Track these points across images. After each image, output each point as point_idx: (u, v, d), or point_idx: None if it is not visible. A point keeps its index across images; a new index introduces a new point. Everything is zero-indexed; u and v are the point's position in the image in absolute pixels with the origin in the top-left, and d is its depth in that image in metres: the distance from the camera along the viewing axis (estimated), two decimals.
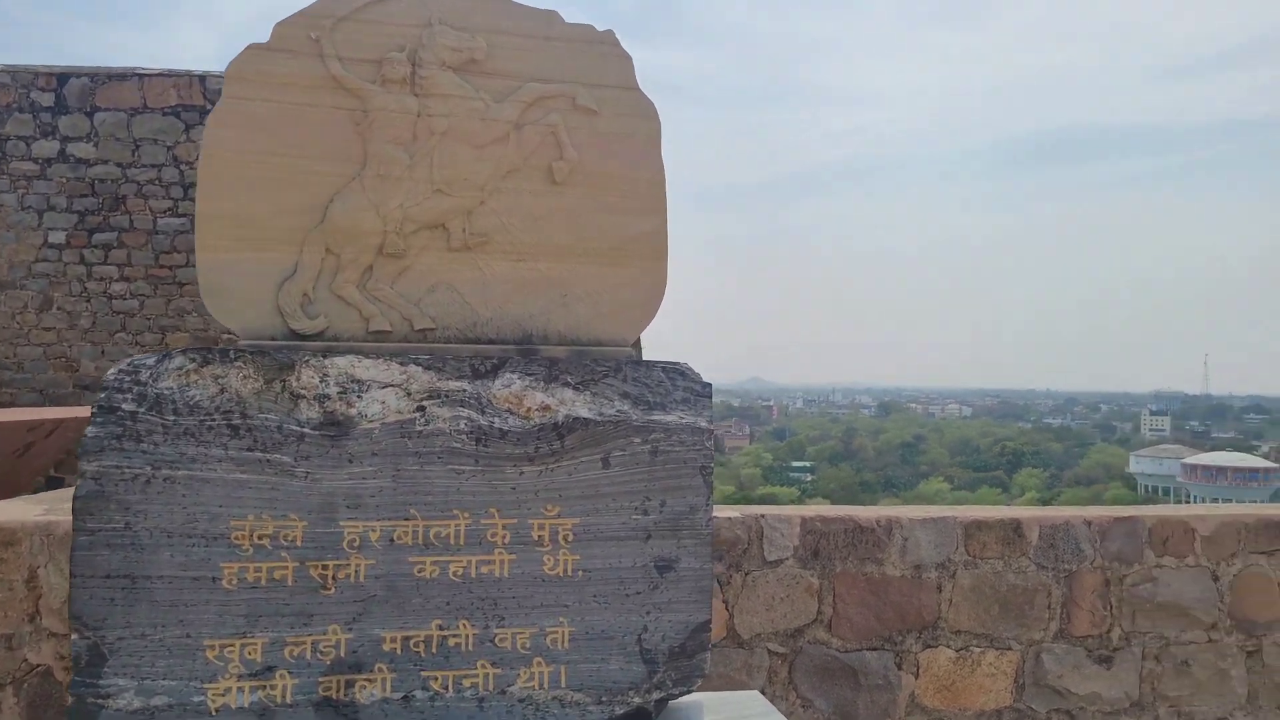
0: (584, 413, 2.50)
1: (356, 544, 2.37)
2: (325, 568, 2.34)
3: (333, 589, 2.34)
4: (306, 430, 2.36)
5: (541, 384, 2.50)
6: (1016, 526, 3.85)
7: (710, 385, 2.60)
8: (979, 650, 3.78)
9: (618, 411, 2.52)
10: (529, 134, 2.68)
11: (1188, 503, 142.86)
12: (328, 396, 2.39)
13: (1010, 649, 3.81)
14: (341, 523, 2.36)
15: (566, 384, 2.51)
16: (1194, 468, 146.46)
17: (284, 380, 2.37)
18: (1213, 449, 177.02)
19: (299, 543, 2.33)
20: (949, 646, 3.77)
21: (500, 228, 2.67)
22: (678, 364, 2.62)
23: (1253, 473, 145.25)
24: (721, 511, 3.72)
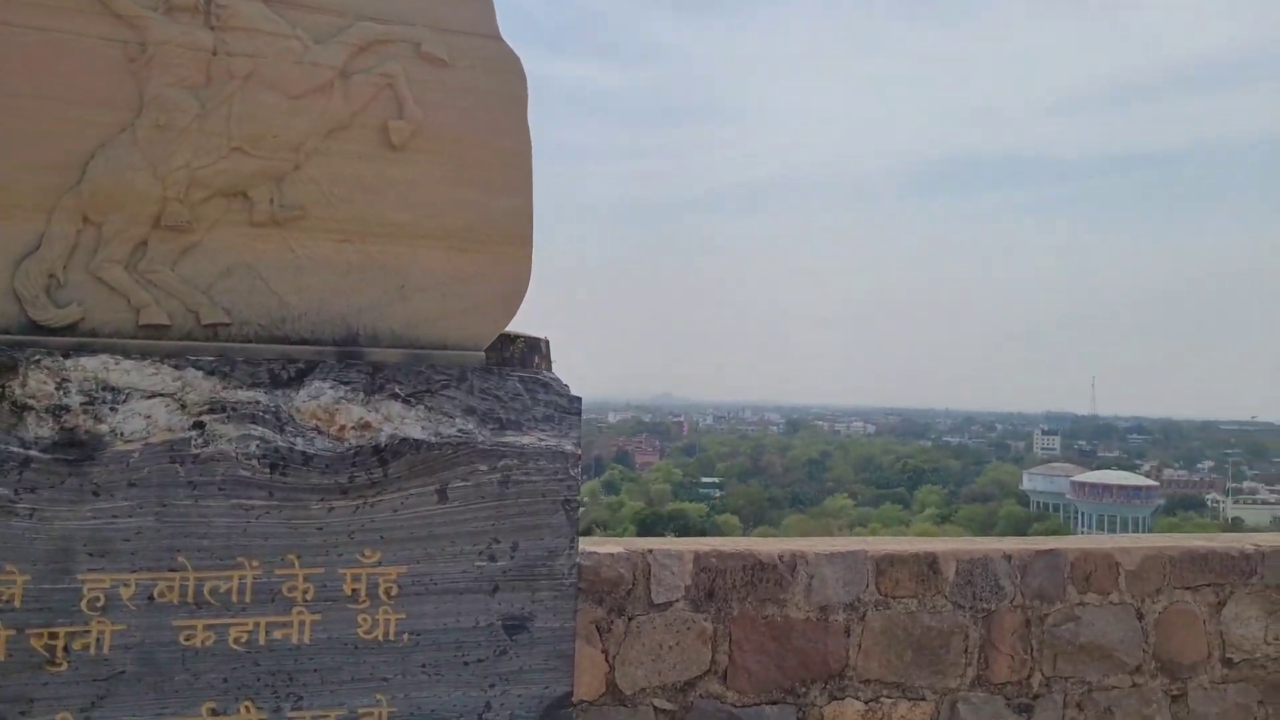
0: (415, 433, 1.98)
1: (101, 604, 1.79)
2: (54, 636, 1.76)
3: (64, 665, 1.76)
4: (33, 453, 1.77)
5: (361, 395, 1.97)
6: (932, 561, 3.47)
7: (579, 400, 2.12)
8: (890, 701, 3.38)
9: (460, 431, 2.01)
10: (359, 85, 2.15)
11: (1077, 520, 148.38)
12: (67, 408, 1.81)
13: (924, 699, 3.42)
14: (80, 575, 1.78)
15: (394, 396, 1.99)
16: (1082, 485, 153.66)
17: (1, 387, 1.78)
18: (1099, 468, 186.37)
19: (17, 603, 1.74)
20: (858, 698, 3.35)
21: (321, 199, 2.13)
22: (539, 374, 2.12)
23: (1135, 490, 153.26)
24: (602, 546, 3.23)
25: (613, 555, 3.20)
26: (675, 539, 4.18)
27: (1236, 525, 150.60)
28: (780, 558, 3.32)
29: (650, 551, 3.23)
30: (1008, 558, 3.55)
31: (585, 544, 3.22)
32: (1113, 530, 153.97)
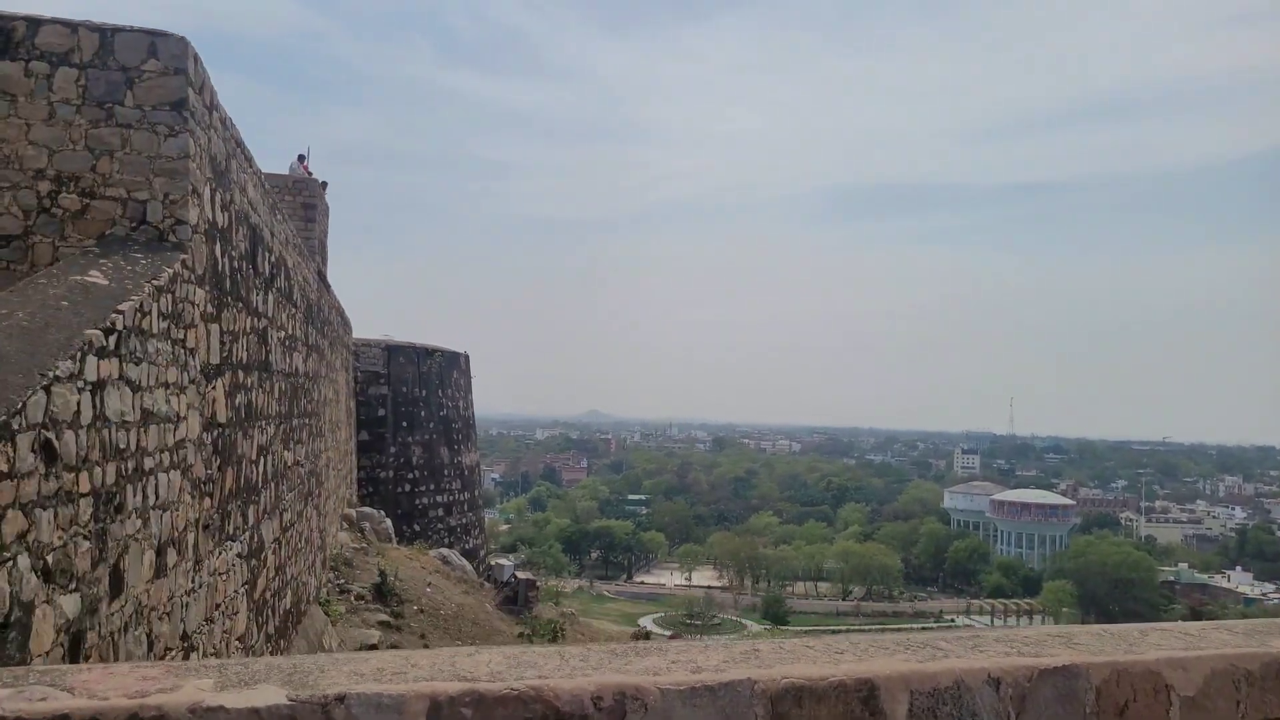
0: None
1: None
2: None
3: None
4: None
5: None
6: (869, 695, 1.98)
7: None
8: None
9: None
10: None
11: (996, 537, 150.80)
12: None
13: None
14: None
15: None
16: (1002, 504, 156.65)
17: None
18: (1018, 486, 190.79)
19: None
20: None
21: None
22: None
23: (1053, 509, 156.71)
24: (251, 698, 1.65)
25: (271, 711, 1.62)
26: (391, 684, 2.47)
27: (1149, 543, 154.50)
28: (596, 700, 1.78)
29: (343, 700, 1.66)
30: (994, 683, 2.08)
31: (220, 695, 1.65)
32: (1031, 549, 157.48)
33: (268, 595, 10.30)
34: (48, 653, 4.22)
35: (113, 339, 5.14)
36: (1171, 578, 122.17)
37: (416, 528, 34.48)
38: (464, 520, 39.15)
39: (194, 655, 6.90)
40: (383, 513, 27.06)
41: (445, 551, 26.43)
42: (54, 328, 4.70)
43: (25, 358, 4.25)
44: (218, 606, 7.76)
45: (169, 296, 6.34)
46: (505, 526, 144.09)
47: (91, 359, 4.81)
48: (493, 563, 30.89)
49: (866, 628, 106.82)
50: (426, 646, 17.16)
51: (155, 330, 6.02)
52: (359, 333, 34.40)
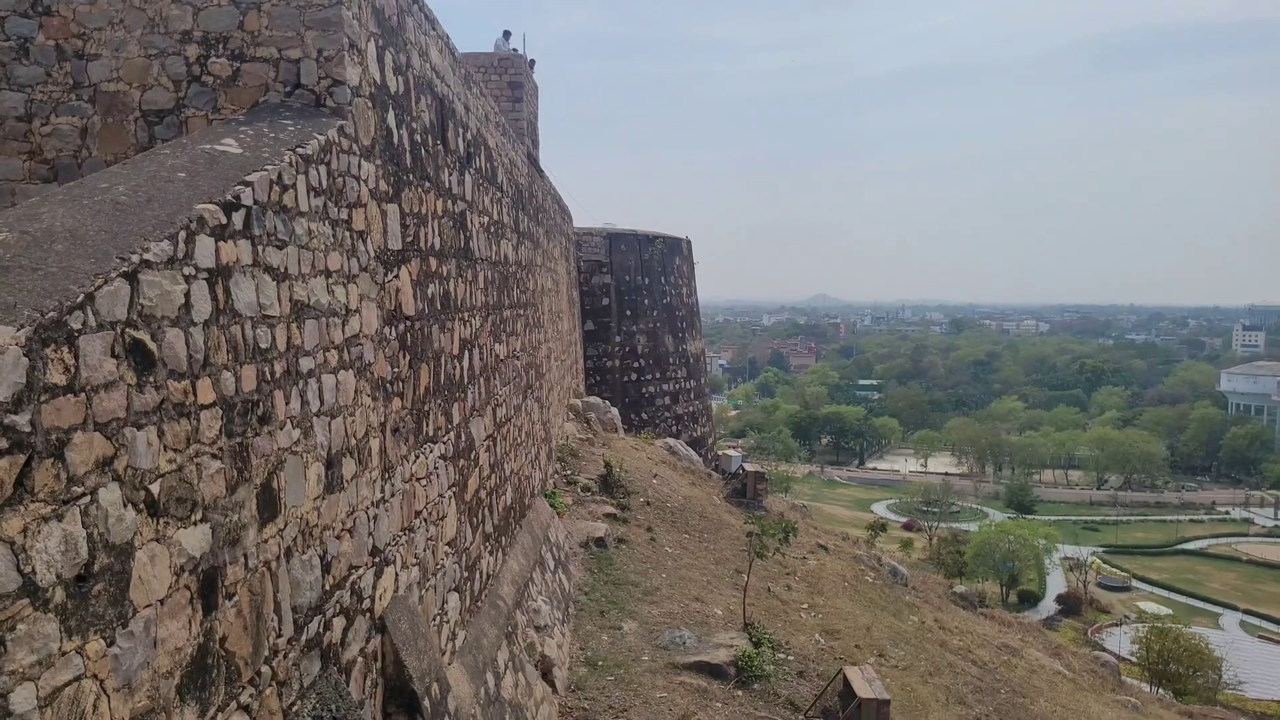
0: None
1: None
2: None
3: None
4: None
5: None
6: None
7: None
8: None
9: None
10: None
11: None
12: None
13: None
14: None
15: None
16: None
17: None
18: None
19: None
20: None
21: None
22: None
23: None
24: None
25: None
26: None
27: None
28: None
29: None
30: None
31: None
32: None
33: (482, 495, 9.81)
34: (164, 599, 3.45)
35: (238, 216, 4.23)
36: None
37: (644, 416, 34.54)
38: (690, 408, 38.89)
39: (387, 570, 6.29)
40: (608, 402, 26.98)
41: (671, 441, 26.03)
42: (157, 203, 3.83)
43: (106, 239, 3.37)
44: (418, 514, 7.15)
45: (322, 169, 5.41)
46: (733, 413, 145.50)
47: (205, 240, 3.90)
48: (720, 453, 30.32)
49: (1125, 519, 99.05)
50: (653, 539, 16.69)
51: (305, 208, 5.12)
52: (580, 223, 34.13)
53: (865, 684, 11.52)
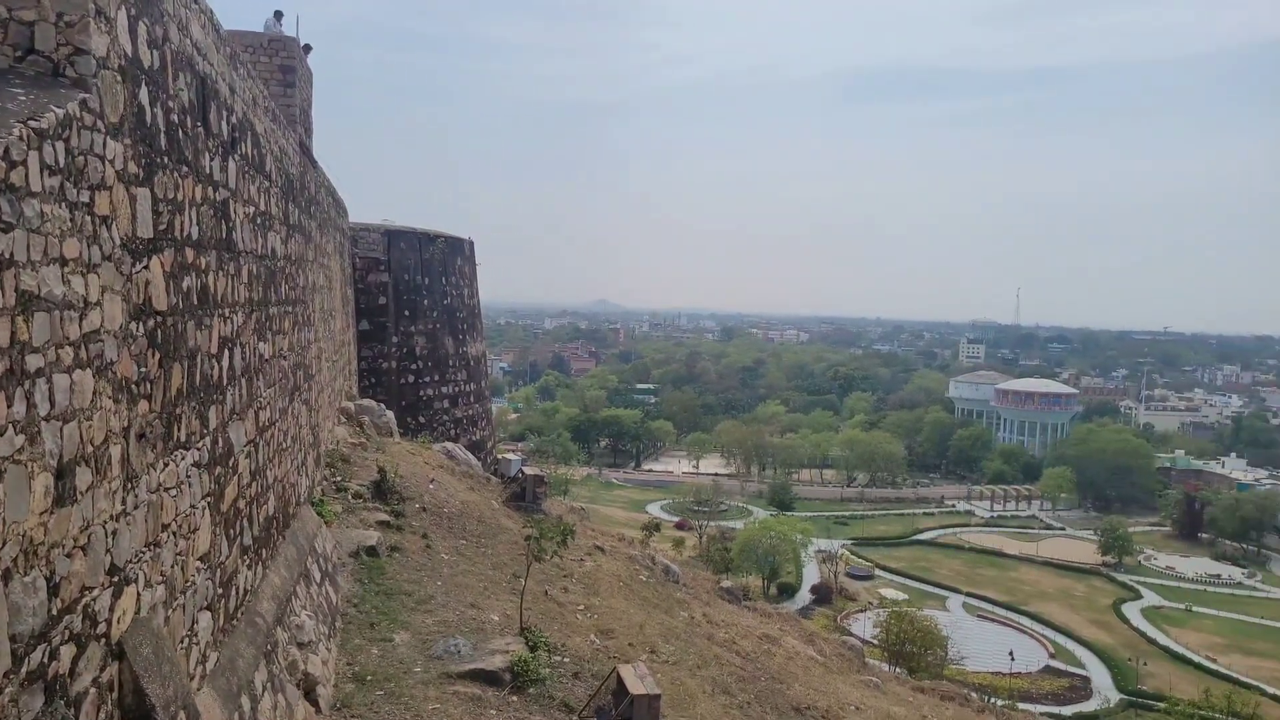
0: None
1: None
2: None
3: None
4: None
5: None
6: None
7: None
8: None
9: None
10: None
11: (1000, 426, 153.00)
12: None
13: None
14: None
15: None
16: (1005, 393, 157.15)
17: None
18: (1022, 375, 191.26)
19: None
20: None
21: None
22: None
23: (1056, 398, 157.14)
24: None
25: None
26: None
27: (1148, 431, 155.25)
28: None
29: None
30: None
31: None
32: (1033, 437, 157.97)
33: (241, 505, 9.15)
34: None
35: None
36: (1168, 464, 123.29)
37: (421, 420, 33.61)
38: (470, 411, 38.29)
39: (128, 590, 5.72)
40: (384, 405, 26.04)
41: (450, 446, 25.53)
42: None
43: None
44: (166, 527, 6.56)
45: (59, 145, 4.85)
46: (514, 416, 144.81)
47: None
48: (500, 457, 30.10)
49: (870, 514, 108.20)
50: (429, 547, 16.29)
51: (38, 188, 4.57)
52: (357, 217, 32.68)
53: (637, 680, 11.86)
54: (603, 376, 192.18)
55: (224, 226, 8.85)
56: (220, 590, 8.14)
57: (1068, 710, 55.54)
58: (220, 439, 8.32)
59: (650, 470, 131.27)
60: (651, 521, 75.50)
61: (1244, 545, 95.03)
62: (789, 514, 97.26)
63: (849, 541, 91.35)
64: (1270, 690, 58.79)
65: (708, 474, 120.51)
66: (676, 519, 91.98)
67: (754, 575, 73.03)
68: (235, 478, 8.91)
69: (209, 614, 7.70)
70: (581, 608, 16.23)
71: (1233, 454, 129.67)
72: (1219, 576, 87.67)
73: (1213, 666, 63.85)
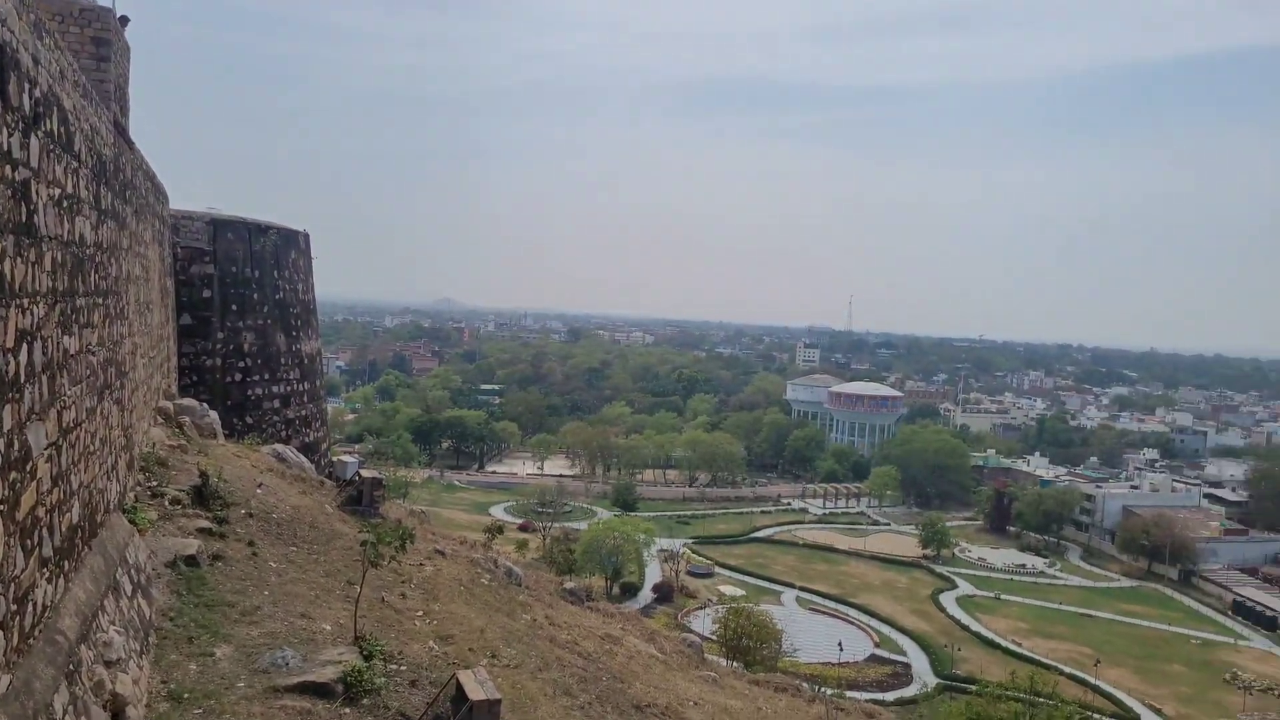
0: None
1: None
2: None
3: None
4: None
5: None
6: None
7: None
8: None
9: None
10: None
11: (831, 426, 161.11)
12: None
13: None
14: None
15: None
16: (838, 395, 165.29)
17: None
18: (853, 379, 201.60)
19: None
20: None
21: None
22: None
23: (884, 400, 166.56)
24: None
25: None
26: None
27: (964, 432, 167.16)
28: None
29: None
30: None
31: None
32: (863, 437, 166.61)
33: (40, 513, 8.38)
34: None
35: None
36: (981, 462, 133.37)
37: (249, 421, 31.80)
38: (303, 412, 36.58)
39: None
40: (207, 405, 24.50)
41: (280, 448, 24.32)
42: None
43: None
44: None
45: None
46: (351, 416, 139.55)
47: None
48: (335, 459, 28.92)
49: (710, 513, 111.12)
50: (255, 555, 15.45)
51: None
52: (179, 204, 30.56)
53: (477, 686, 11.69)
54: (446, 376, 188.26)
55: (24, 209, 8.08)
56: (15, 607, 7.43)
57: (890, 696, 58.91)
58: (16, 441, 7.60)
59: (494, 472, 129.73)
60: (495, 524, 74.43)
61: (1046, 537, 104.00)
62: (632, 514, 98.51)
63: (690, 540, 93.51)
64: (1067, 670, 64.53)
65: (552, 475, 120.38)
66: (520, 521, 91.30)
67: (597, 575, 73.51)
68: (34, 484, 8.15)
69: (1, 633, 7.01)
70: (420, 614, 15.83)
71: (1036, 453, 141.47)
72: (1024, 566, 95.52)
73: (1018, 650, 69.43)
